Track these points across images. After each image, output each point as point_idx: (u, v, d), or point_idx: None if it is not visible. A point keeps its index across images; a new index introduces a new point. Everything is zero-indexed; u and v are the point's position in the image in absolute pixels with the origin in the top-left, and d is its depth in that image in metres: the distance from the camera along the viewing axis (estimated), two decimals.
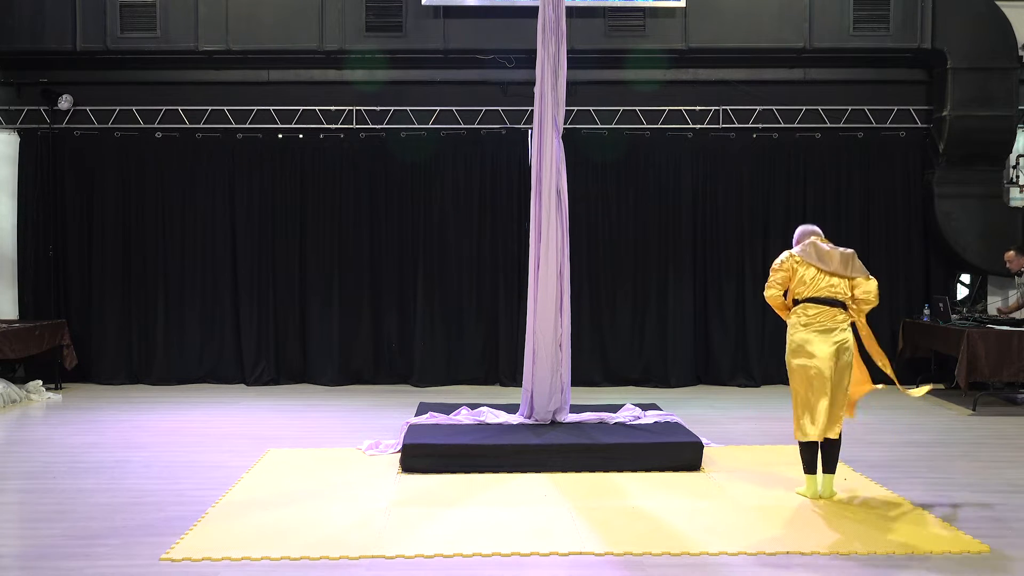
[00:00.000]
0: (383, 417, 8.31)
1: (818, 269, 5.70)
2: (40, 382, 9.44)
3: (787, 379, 5.92)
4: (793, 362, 5.75)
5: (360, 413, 8.65)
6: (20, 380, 9.50)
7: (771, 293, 5.90)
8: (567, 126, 8.86)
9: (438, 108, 10.24)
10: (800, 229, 6.04)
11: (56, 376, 9.77)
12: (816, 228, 6.00)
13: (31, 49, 9.78)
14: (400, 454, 6.53)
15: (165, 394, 9.66)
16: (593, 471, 6.27)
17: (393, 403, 9.05)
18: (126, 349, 10.23)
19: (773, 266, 5.87)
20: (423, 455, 6.34)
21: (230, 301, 10.24)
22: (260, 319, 10.21)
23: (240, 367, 10.23)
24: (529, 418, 7.03)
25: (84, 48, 9.71)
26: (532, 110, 7.15)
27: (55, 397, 9.34)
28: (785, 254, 5.84)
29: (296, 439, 7.47)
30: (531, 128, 7.84)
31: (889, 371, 5.82)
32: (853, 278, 5.72)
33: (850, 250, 5.81)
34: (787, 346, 5.81)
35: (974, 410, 8.71)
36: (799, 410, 5.75)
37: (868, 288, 5.70)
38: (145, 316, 10.21)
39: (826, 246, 5.80)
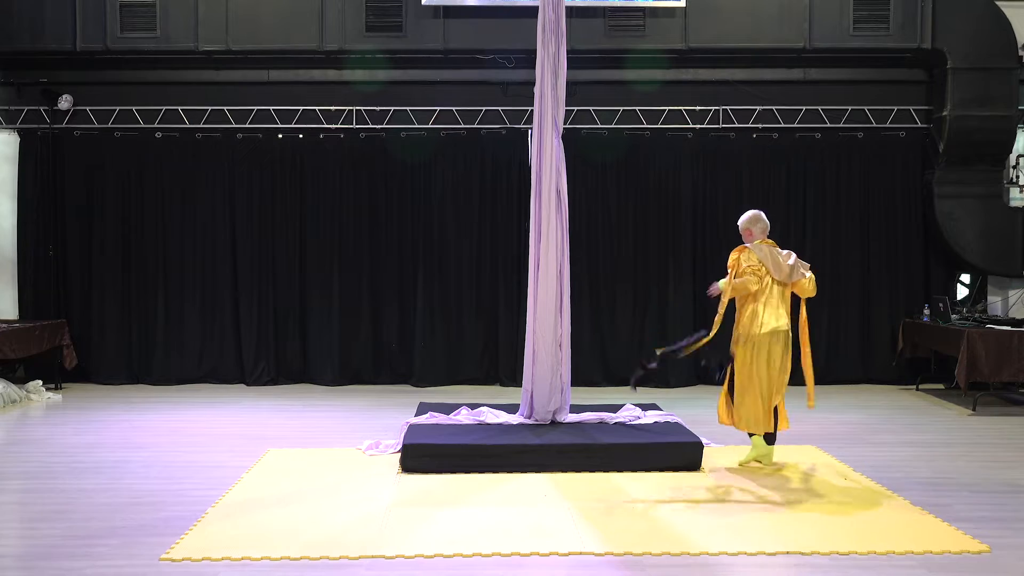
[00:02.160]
0: (383, 417, 8.31)
1: (772, 278, 6.29)
2: (40, 382, 9.44)
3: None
4: (755, 356, 6.25)
5: (360, 413, 8.65)
6: (20, 380, 9.50)
7: (756, 288, 6.30)
8: (567, 126, 8.86)
9: (438, 108, 10.24)
10: (747, 216, 6.51)
11: (56, 376, 9.77)
12: (763, 218, 6.47)
13: (31, 49, 9.79)
14: (400, 454, 6.53)
15: (165, 394, 9.66)
16: (593, 471, 6.27)
17: (393, 403, 9.05)
18: (126, 349, 10.23)
19: (743, 266, 6.32)
20: (423, 455, 6.34)
21: (230, 301, 10.24)
22: (260, 319, 10.21)
23: (240, 367, 10.23)
24: (529, 418, 7.03)
25: (84, 48, 9.72)
26: (532, 110, 7.14)
27: (55, 397, 9.34)
28: (754, 259, 6.28)
29: (296, 439, 7.47)
30: (531, 128, 7.84)
31: (807, 363, 6.40)
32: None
33: (792, 256, 6.34)
34: (749, 335, 6.28)
35: (974, 410, 8.71)
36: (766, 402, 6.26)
37: (804, 286, 6.37)
38: (145, 316, 10.22)
39: (777, 251, 6.33)
